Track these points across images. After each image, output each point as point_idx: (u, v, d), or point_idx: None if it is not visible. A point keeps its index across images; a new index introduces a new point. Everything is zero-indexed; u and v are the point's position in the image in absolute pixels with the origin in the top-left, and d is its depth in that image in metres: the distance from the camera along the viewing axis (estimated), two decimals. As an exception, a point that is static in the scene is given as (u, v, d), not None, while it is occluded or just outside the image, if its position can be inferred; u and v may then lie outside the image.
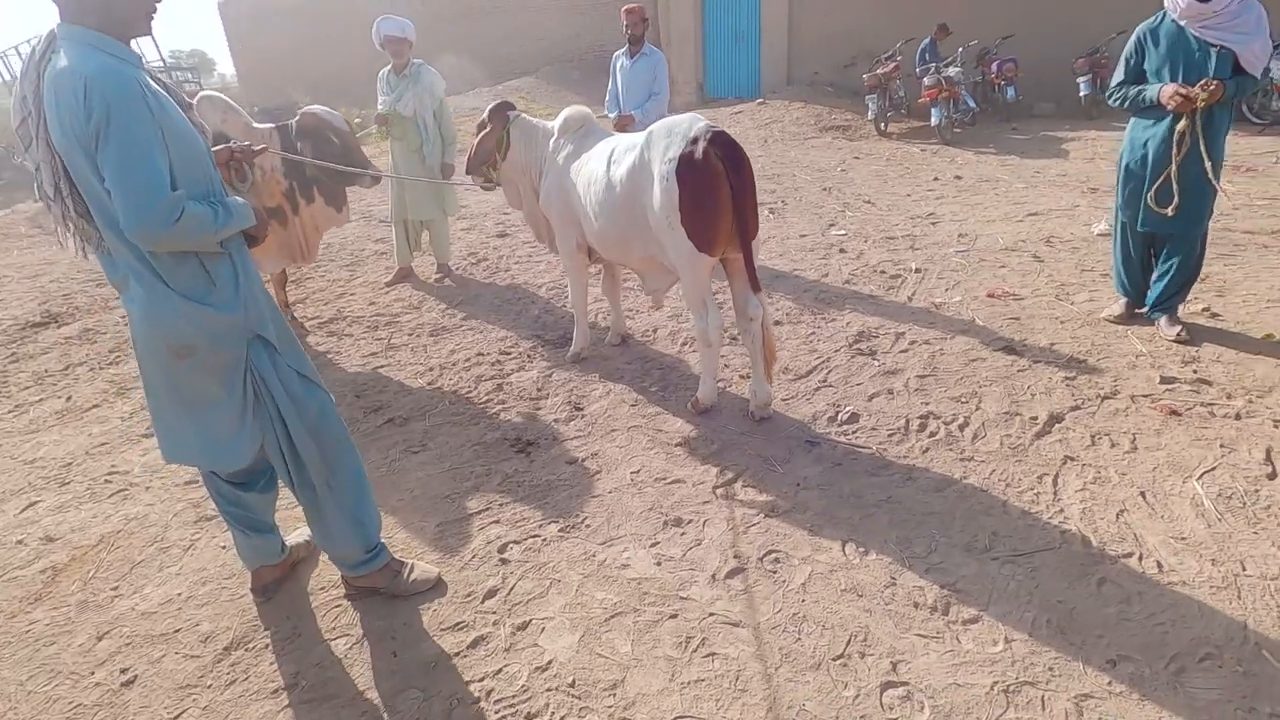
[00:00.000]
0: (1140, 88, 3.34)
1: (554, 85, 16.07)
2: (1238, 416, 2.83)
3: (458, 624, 2.14)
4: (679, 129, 2.73)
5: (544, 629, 2.09)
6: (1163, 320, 3.48)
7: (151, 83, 1.77)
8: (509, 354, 3.98)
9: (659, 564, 2.32)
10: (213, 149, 2.10)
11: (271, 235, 3.85)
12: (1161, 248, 3.57)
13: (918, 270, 4.75)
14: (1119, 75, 3.46)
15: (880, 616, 2.05)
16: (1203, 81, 3.08)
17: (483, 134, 3.59)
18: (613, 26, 16.37)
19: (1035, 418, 2.92)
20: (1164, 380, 3.11)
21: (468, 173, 3.71)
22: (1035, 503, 2.45)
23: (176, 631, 2.20)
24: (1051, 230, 5.37)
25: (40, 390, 3.96)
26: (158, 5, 1.83)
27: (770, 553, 2.33)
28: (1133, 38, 3.39)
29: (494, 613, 2.17)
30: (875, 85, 9.94)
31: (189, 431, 2.02)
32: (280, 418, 2.05)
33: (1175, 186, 3.25)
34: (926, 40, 10.23)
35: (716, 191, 2.67)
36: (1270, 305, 3.82)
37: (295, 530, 2.55)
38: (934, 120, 9.25)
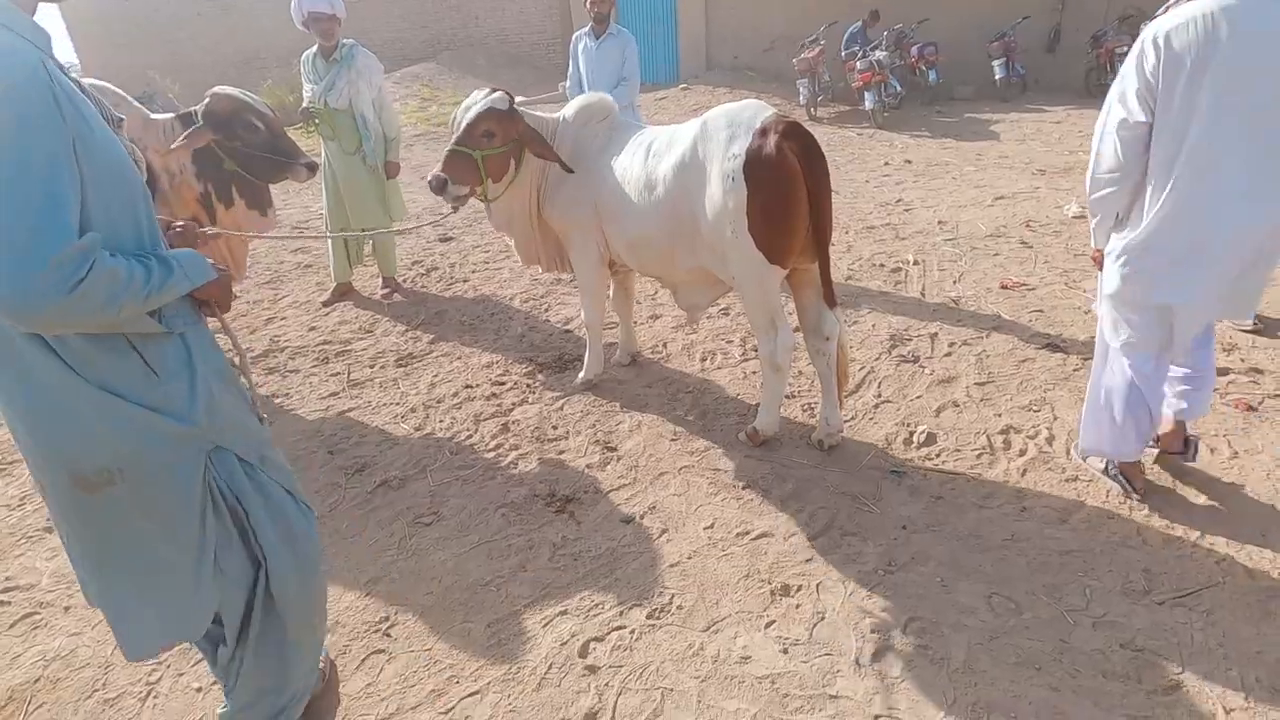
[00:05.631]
0: None
1: (456, 72, 15.01)
2: (1309, 407, 2.74)
3: (564, 774, 1.64)
4: (742, 118, 2.29)
5: (682, 768, 1.63)
6: (1229, 311, 3.39)
7: (63, 75, 1.15)
8: (503, 384, 3.41)
9: (785, 651, 1.90)
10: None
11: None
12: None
13: (916, 262, 4.54)
14: None
15: (1071, 695, 1.73)
16: None
17: (488, 151, 2.67)
18: (511, 10, 15.53)
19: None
20: (1219, 372, 3.00)
21: (442, 193, 2.71)
22: (1171, 527, 2.22)
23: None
24: (1026, 214, 5.34)
25: (-120, 475, 3.02)
26: None
27: (912, 620, 1.96)
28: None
29: (607, 750, 1.69)
30: (805, 70, 9.83)
31: (119, 595, 1.38)
32: (264, 560, 1.44)
33: None
34: (857, 25, 10.23)
35: (792, 193, 2.25)
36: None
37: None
38: (868, 104, 9.24)
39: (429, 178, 2.70)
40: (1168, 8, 1.95)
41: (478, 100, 2.71)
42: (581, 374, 3.28)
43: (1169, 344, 2.13)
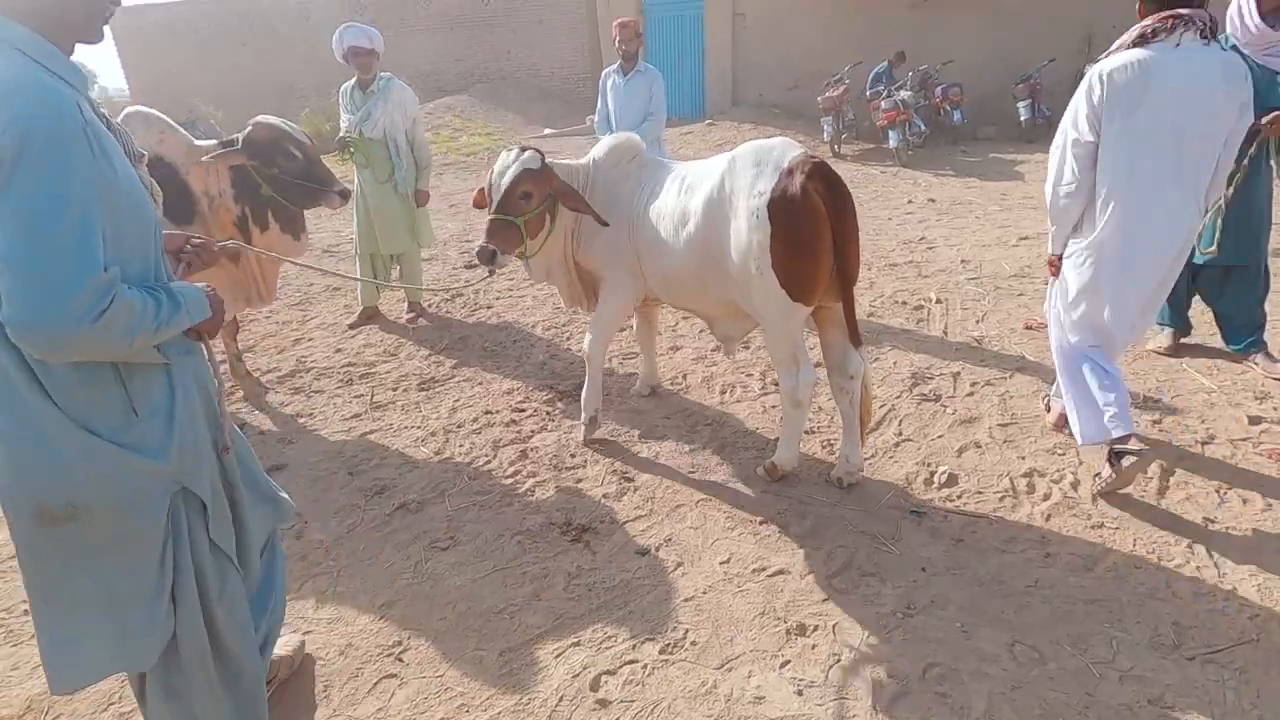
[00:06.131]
0: None
1: (488, 104, 15.41)
2: (1345, 460, 2.67)
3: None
4: (770, 156, 2.33)
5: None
6: (1260, 358, 3.34)
7: (94, 114, 1.22)
8: (523, 410, 3.44)
9: (800, 693, 1.87)
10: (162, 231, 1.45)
11: (224, 273, 3.19)
12: (1210, 278, 3.45)
13: (939, 301, 4.53)
14: None
15: (1098, 751, 1.67)
16: (1274, 114, 2.96)
17: (528, 213, 2.64)
18: (543, 46, 15.95)
19: (1146, 471, 2.66)
20: (1251, 420, 2.95)
21: (491, 264, 2.66)
22: (1201, 580, 2.16)
23: None
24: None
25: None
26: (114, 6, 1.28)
27: (931, 666, 1.92)
28: None
29: (616, 788, 1.66)
30: (830, 108, 9.95)
31: (66, 626, 1.36)
32: (172, 606, 1.44)
33: (1219, 224, 3.13)
34: (883, 65, 10.36)
35: (816, 233, 2.27)
36: (1301, 332, 3.78)
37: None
38: (892, 143, 9.31)
39: (476, 250, 2.64)
40: (1110, 52, 2.36)
41: (510, 163, 2.64)
42: (584, 415, 3.06)
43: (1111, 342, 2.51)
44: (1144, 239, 2.35)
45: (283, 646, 1.95)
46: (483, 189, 2.87)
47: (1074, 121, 2.39)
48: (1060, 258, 2.57)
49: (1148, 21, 2.29)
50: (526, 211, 2.63)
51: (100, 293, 1.12)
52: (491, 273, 2.79)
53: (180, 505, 1.40)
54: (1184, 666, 1.87)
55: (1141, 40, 2.28)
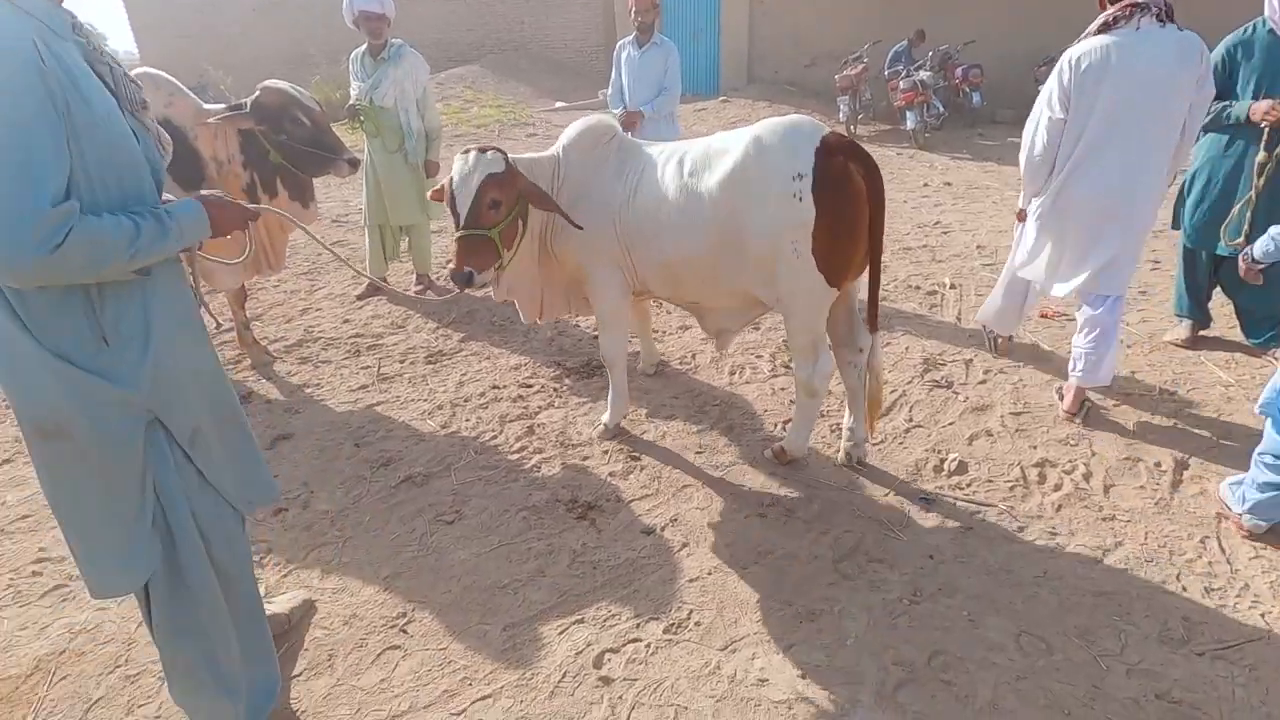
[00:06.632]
0: (1225, 104, 3.12)
1: (499, 75, 15.22)
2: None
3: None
4: (798, 135, 2.24)
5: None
6: (1280, 354, 3.29)
7: (72, 55, 1.21)
8: (530, 386, 3.42)
9: (805, 676, 1.86)
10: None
11: (233, 242, 3.16)
12: (1231, 270, 3.38)
13: (953, 286, 4.47)
14: None
15: (1103, 743, 1.66)
16: None
17: (501, 223, 2.34)
18: (557, 17, 15.68)
19: (1160, 464, 2.64)
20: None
21: (469, 287, 2.37)
22: (1213, 575, 2.14)
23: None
24: (1068, 243, 5.22)
25: (-74, 441, 3.11)
26: None
27: (936, 654, 1.91)
28: (1220, 50, 3.16)
29: (618, 765, 1.66)
30: (846, 87, 9.77)
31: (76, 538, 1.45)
32: (170, 536, 1.48)
33: (1249, 216, 3.07)
34: (902, 44, 10.15)
35: (859, 213, 2.22)
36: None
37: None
38: (910, 124, 9.14)
39: (450, 274, 2.38)
40: (1080, 39, 2.63)
41: (470, 169, 2.31)
42: (606, 416, 2.97)
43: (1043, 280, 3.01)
44: (1095, 203, 2.71)
45: (284, 603, 2.04)
46: (439, 187, 2.54)
47: (1048, 100, 2.71)
48: (1025, 211, 3.02)
49: (1109, 11, 2.58)
50: (498, 221, 2.33)
51: (54, 222, 1.14)
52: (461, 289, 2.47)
53: (161, 434, 1.42)
54: (1193, 662, 1.86)
55: (1105, 27, 2.58)
